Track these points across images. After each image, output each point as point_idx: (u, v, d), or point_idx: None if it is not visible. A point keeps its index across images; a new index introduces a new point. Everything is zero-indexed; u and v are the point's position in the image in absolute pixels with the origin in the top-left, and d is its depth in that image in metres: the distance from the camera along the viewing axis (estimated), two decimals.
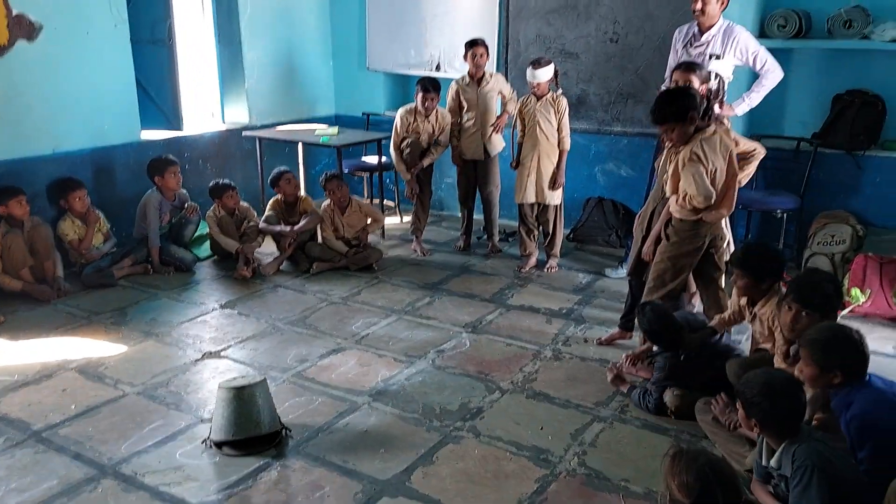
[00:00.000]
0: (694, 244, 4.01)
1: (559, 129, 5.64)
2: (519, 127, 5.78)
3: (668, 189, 4.03)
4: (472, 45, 5.89)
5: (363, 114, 7.82)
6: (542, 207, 5.83)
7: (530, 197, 5.76)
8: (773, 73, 5.05)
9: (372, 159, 7.18)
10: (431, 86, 5.95)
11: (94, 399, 3.96)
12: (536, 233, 6.00)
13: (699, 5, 4.90)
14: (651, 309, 3.83)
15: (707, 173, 3.81)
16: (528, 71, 5.54)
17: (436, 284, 5.67)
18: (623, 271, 5.40)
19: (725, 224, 4.25)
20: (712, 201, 3.84)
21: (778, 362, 3.45)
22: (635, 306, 4.54)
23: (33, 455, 3.45)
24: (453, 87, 6.12)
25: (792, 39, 5.68)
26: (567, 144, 5.69)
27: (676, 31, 5.24)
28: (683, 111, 3.79)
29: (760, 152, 4.27)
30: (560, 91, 5.74)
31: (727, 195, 3.95)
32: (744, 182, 4.22)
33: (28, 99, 5.57)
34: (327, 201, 6.11)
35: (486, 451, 3.49)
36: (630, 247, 4.71)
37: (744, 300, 3.76)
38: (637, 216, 4.56)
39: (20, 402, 3.94)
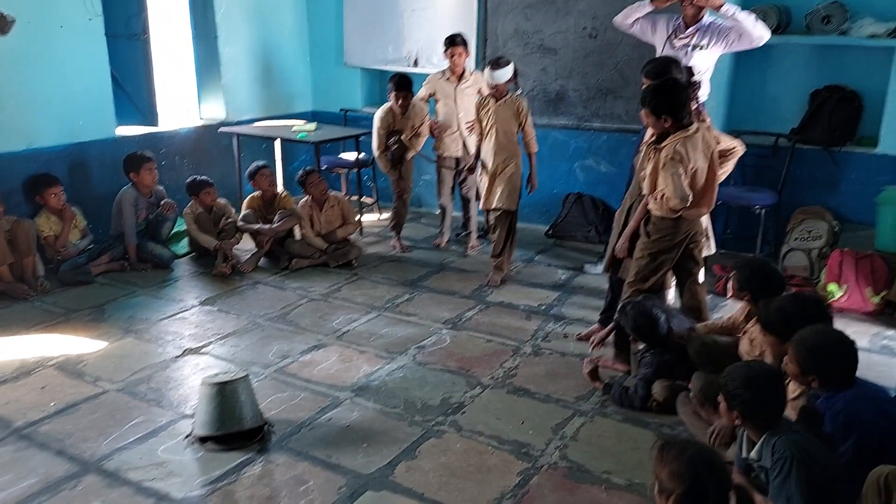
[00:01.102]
0: (674, 240, 4.02)
1: (525, 132, 5.37)
2: (477, 129, 5.54)
3: (645, 188, 4.04)
4: (452, 43, 5.88)
5: (341, 110, 7.80)
6: (501, 212, 5.43)
7: (490, 201, 5.44)
8: (761, 22, 4.93)
9: (350, 156, 7.17)
10: (403, 84, 5.91)
11: (73, 396, 3.93)
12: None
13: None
14: (632, 307, 3.85)
15: (687, 173, 3.82)
16: (486, 72, 5.24)
17: (415, 281, 5.67)
18: (602, 267, 5.41)
19: (706, 218, 4.29)
20: (687, 204, 3.84)
21: None
22: (615, 302, 4.57)
23: (13, 453, 3.42)
24: (430, 80, 6.12)
25: (771, 35, 5.72)
26: (535, 146, 5.41)
27: (658, 20, 5.16)
28: (678, 108, 3.77)
29: (739, 150, 4.29)
30: (519, 91, 5.45)
31: (707, 193, 3.96)
32: (721, 179, 4.24)
33: (0, 94, 5.49)
34: (306, 197, 6.08)
35: (468, 446, 3.50)
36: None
37: (743, 315, 3.77)
38: (616, 213, 4.58)
39: None
